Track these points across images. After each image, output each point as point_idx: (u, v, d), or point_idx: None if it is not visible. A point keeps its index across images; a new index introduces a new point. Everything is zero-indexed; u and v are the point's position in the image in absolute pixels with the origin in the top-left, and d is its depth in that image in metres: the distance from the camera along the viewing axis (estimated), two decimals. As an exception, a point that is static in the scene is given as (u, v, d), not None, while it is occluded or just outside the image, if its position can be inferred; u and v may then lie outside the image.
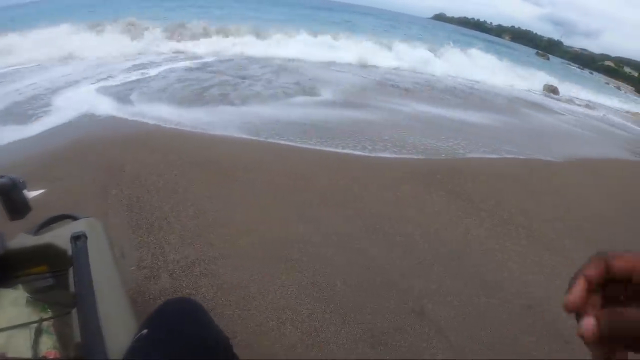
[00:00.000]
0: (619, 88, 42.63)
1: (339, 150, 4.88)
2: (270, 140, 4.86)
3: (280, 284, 2.50)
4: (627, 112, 18.73)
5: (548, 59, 64.60)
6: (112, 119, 5.19)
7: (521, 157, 5.97)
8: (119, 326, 0.92)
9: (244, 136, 4.89)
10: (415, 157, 5.08)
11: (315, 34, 14.48)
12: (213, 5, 25.21)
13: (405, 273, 2.78)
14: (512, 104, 11.41)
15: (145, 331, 0.89)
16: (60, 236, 1.04)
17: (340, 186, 3.88)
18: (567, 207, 4.47)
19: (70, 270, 0.93)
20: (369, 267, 2.78)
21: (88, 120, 5.11)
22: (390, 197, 3.83)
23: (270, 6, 30.89)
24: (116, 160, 3.80)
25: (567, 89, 18.34)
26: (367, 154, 4.90)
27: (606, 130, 11.18)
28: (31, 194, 1.09)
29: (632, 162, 7.84)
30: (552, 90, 16.22)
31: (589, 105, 15.28)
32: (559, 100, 15.07)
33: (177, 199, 3.25)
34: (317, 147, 4.84)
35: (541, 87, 16.50)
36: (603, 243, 3.79)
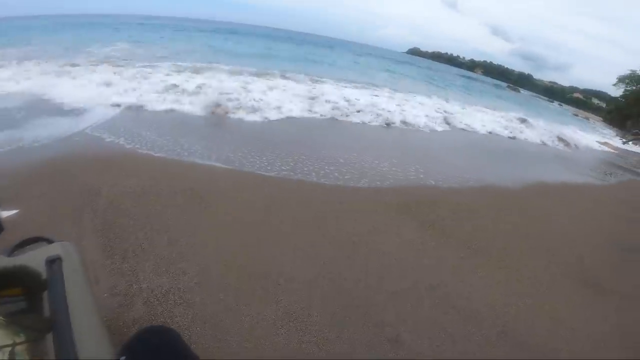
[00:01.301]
0: (587, 119, 44.43)
1: (312, 179, 4.94)
2: (245, 169, 4.89)
3: (255, 314, 2.48)
4: (598, 141, 19.81)
5: (519, 91, 67.14)
6: (89, 139, 5.15)
7: (488, 184, 6.15)
8: (94, 352, 0.91)
9: (219, 164, 4.91)
10: (387, 186, 5.17)
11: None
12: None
13: (381, 303, 2.80)
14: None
15: (123, 358, 0.89)
16: (35, 259, 1.02)
17: (315, 216, 3.91)
18: (536, 233, 4.61)
19: (45, 294, 0.92)
20: (345, 297, 2.79)
21: (65, 140, 5.05)
22: (365, 227, 3.87)
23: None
24: (92, 183, 3.77)
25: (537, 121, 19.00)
26: (340, 183, 4.98)
27: (571, 158, 11.61)
28: (4, 213, 1.09)
29: (595, 186, 8.21)
30: (522, 121, 16.76)
31: (560, 136, 15.82)
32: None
33: (151, 226, 3.23)
34: (291, 177, 4.90)
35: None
36: (572, 269, 3.89)
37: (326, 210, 4.05)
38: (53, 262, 0.96)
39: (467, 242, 3.95)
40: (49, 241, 1.24)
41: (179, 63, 12.85)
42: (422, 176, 5.83)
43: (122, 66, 10.94)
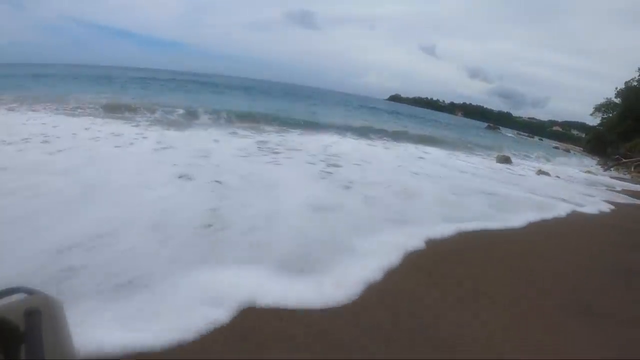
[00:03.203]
0: (568, 151, 45.33)
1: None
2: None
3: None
4: (582, 170, 20.77)
5: (499, 130, 68.79)
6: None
7: (480, 227, 6.17)
8: None
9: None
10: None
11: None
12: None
13: None
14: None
15: None
16: (13, 310, 0.94)
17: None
18: (536, 272, 4.60)
19: (22, 349, 0.84)
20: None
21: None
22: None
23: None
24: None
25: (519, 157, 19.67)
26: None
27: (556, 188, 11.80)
28: None
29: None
30: (505, 160, 17.47)
31: (541, 170, 16.22)
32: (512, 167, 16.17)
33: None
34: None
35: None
36: (580, 307, 3.84)
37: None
38: (32, 315, 0.90)
39: (477, 294, 3.83)
40: (29, 292, 1.15)
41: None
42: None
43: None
